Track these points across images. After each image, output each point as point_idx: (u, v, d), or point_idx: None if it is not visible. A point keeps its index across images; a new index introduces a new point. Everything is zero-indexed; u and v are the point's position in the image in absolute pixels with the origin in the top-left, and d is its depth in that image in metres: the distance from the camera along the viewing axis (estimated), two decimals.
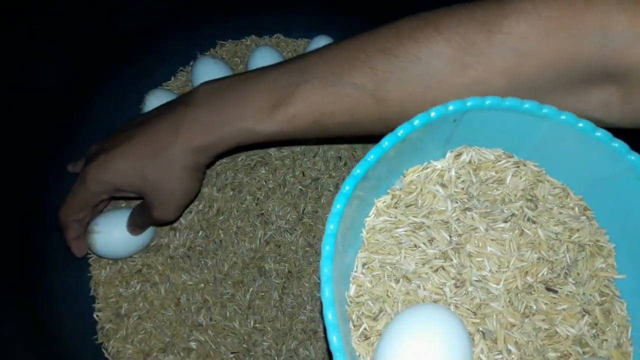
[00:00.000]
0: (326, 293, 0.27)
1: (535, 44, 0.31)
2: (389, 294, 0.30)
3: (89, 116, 0.52)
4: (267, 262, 0.49)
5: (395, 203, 0.33)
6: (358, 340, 0.30)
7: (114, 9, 0.51)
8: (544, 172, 0.35)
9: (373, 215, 0.33)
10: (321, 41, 0.54)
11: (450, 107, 0.30)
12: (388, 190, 0.33)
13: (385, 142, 0.30)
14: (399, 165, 0.33)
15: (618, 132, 0.32)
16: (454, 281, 0.31)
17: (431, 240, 0.32)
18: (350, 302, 0.30)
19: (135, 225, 0.46)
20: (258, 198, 0.51)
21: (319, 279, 0.47)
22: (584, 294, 0.32)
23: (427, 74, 0.33)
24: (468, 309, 0.30)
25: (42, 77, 0.48)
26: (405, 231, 0.32)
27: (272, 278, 0.48)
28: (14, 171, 0.46)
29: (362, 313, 0.30)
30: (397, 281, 0.31)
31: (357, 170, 0.29)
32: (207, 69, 0.52)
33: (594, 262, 0.33)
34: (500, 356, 0.29)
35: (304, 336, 0.47)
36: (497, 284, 0.31)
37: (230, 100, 0.39)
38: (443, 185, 0.33)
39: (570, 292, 0.32)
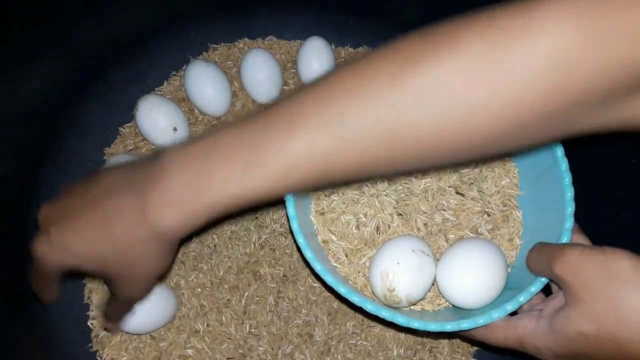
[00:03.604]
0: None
1: (579, 55, 0.26)
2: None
3: (81, 122, 0.51)
4: (262, 266, 0.48)
5: None
6: (314, 214, 0.43)
7: (105, 13, 0.51)
8: None
9: None
10: (314, 42, 0.54)
11: None
12: None
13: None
14: None
15: None
16: (387, 181, 0.43)
17: None
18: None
19: (110, 317, 0.42)
20: None
21: (314, 281, 0.47)
22: (489, 202, 0.43)
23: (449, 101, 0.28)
24: (394, 199, 0.43)
25: (34, 81, 0.48)
26: None
27: (267, 282, 0.48)
28: (5, 177, 0.45)
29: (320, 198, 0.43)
30: None
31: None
32: (200, 73, 0.52)
33: (501, 180, 0.44)
34: (412, 231, 0.42)
35: (300, 340, 0.46)
36: (419, 187, 0.43)
37: (206, 163, 0.32)
38: None
39: (475, 197, 0.43)
